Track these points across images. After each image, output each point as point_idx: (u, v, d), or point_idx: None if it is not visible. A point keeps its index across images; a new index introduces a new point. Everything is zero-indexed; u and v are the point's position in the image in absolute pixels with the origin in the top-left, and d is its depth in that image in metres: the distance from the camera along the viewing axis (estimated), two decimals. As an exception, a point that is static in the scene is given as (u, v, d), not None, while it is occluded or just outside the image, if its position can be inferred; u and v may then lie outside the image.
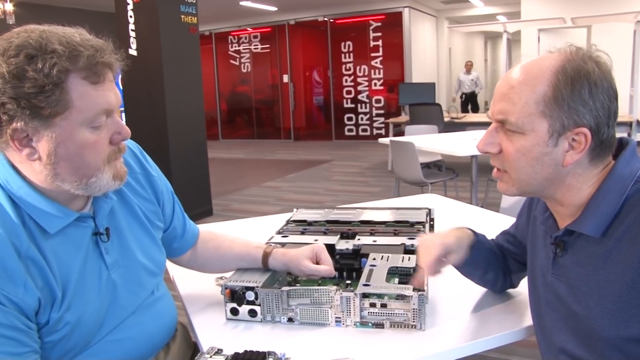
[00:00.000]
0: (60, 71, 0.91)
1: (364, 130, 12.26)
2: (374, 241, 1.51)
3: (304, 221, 1.75)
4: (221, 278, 1.49)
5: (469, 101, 13.01)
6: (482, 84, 13.11)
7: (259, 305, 1.23)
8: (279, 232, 1.64)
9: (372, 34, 11.98)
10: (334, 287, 1.20)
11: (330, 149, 10.94)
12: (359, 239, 1.52)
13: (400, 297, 1.16)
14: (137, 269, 1.17)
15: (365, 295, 1.17)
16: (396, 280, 1.28)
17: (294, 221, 1.76)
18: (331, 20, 12.38)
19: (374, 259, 1.36)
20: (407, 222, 1.70)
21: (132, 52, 5.28)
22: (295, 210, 1.89)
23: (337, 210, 1.85)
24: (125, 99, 5.54)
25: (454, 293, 1.34)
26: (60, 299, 0.99)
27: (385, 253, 1.39)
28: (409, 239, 1.52)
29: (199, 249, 1.44)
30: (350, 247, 1.46)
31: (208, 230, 1.49)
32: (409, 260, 1.34)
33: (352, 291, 1.17)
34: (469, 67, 12.94)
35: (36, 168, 0.98)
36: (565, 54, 0.94)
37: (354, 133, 12.35)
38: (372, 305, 1.17)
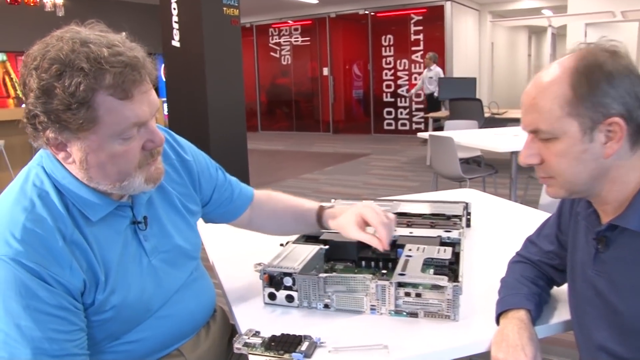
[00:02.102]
0: (86, 90, 0.93)
1: (403, 124, 12.19)
2: (411, 232, 1.53)
3: (342, 212, 1.77)
4: (260, 264, 1.53)
5: (431, 104, 10.44)
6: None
7: (296, 290, 1.26)
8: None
9: (413, 28, 11.88)
10: (370, 276, 1.22)
11: (368, 143, 10.92)
12: (395, 230, 1.53)
13: (435, 288, 1.18)
14: (176, 252, 1.22)
15: (400, 285, 1.19)
16: (431, 271, 1.29)
17: (332, 211, 1.79)
18: (372, 14, 12.32)
19: (410, 249, 1.37)
20: (443, 215, 1.71)
21: (175, 43, 5.38)
22: (332, 201, 1.91)
23: (376, 202, 1.87)
24: (167, 90, 5.65)
25: (488, 284, 1.34)
26: (104, 282, 1.05)
27: (421, 244, 1.41)
28: (445, 231, 1.53)
29: (256, 212, 1.47)
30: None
31: (265, 192, 1.51)
32: (444, 252, 1.36)
33: (388, 280, 1.19)
34: (426, 61, 10.60)
35: (74, 170, 1.04)
36: (577, 54, 0.97)
37: (393, 127, 12.30)
38: (407, 294, 1.19)
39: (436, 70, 10.35)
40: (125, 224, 1.13)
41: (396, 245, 1.43)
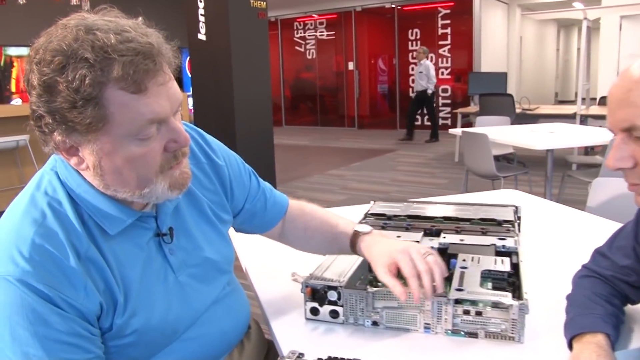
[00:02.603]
0: (92, 84, 0.80)
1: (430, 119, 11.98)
2: (461, 240, 1.40)
3: (383, 215, 1.66)
4: (297, 274, 1.42)
5: (420, 102, 10.26)
6: (432, 77, 9.99)
7: (342, 306, 1.15)
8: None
9: (440, 22, 11.68)
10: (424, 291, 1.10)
11: (394, 138, 10.76)
12: (444, 237, 1.42)
13: (498, 305, 1.06)
14: (207, 266, 1.10)
15: (458, 302, 1.08)
16: (489, 284, 1.18)
17: (373, 215, 1.67)
18: (398, 7, 12.14)
19: (464, 260, 1.26)
20: (494, 220, 1.58)
21: (201, 37, 5.30)
22: (372, 203, 1.80)
23: (416, 205, 1.75)
24: (192, 85, 5.58)
25: (551, 299, 1.22)
26: (123, 304, 0.93)
27: (475, 254, 1.29)
28: (499, 239, 1.41)
29: (287, 226, 1.33)
30: (436, 246, 1.36)
31: (298, 204, 1.37)
32: (502, 263, 1.24)
33: (445, 296, 1.08)
34: (418, 55, 10.15)
35: (89, 176, 0.92)
36: None
37: (419, 122, 12.10)
38: (466, 312, 1.07)
39: (426, 64, 9.93)
40: (147, 236, 1.01)
41: (448, 254, 1.32)
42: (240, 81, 5.28)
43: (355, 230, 1.24)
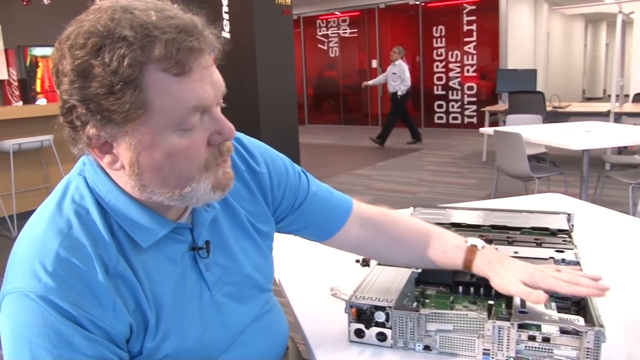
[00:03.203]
0: (132, 65, 0.72)
1: (455, 118, 11.81)
2: (515, 252, 1.28)
3: (426, 223, 1.55)
4: (337, 289, 1.32)
5: (394, 105, 9.76)
6: (407, 79, 9.48)
7: (390, 328, 1.04)
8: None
9: (465, 18, 11.47)
10: (484, 314, 0.99)
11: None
12: (496, 249, 1.30)
13: (569, 331, 0.94)
14: (245, 284, 1.00)
15: (522, 326, 0.96)
16: (553, 305, 1.06)
17: (414, 223, 1.56)
18: (423, 4, 11.96)
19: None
20: (546, 229, 1.46)
21: (225, 34, 5.23)
22: (412, 209, 1.69)
23: (459, 211, 1.63)
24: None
25: (622, 321, 1.10)
26: (155, 325, 0.84)
27: (533, 269, 1.17)
28: (557, 251, 1.29)
29: (371, 235, 1.16)
30: (487, 259, 1.25)
31: (382, 210, 1.19)
32: (565, 280, 1.12)
33: (508, 320, 0.96)
34: (392, 55, 9.64)
35: (122, 177, 0.82)
36: None
37: (444, 121, 11.94)
38: (532, 338, 0.95)
39: (401, 66, 9.44)
40: (182, 250, 0.91)
41: (502, 269, 1.20)
42: (264, 79, 5.20)
43: (472, 245, 1.10)
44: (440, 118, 12.00)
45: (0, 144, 5.10)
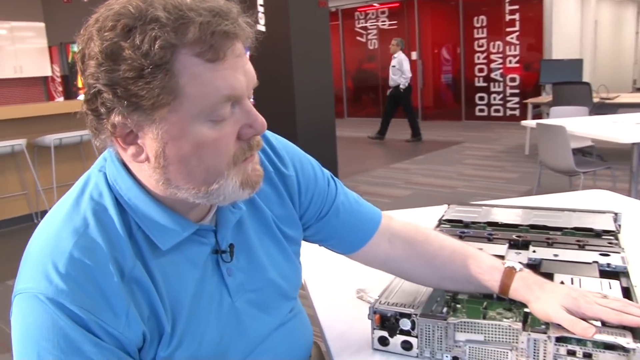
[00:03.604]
0: (164, 47, 0.68)
1: (497, 110, 11.53)
2: (556, 255, 1.19)
3: (460, 222, 1.46)
4: (364, 291, 1.25)
5: (394, 99, 9.60)
6: (406, 71, 9.19)
7: (416, 337, 0.97)
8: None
9: (508, 8, 11.16)
10: (518, 324, 0.91)
11: (460, 130, 10.40)
12: (534, 251, 1.22)
13: (613, 348, 0.85)
14: (269, 291, 0.95)
15: (561, 339, 0.88)
16: (596, 315, 0.97)
17: (448, 221, 1.48)
18: (464, -6, 11.71)
19: (562, 282, 1.05)
20: (591, 230, 1.36)
21: (260, 27, 5.19)
22: (447, 206, 1.60)
23: (495, 209, 1.54)
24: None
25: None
26: (170, 334, 0.79)
27: (574, 275, 1.08)
28: (602, 254, 1.19)
29: (402, 252, 1.07)
30: (525, 261, 1.17)
31: (414, 226, 1.10)
32: (609, 287, 1.03)
33: (545, 332, 0.88)
34: (392, 48, 9.44)
35: (146, 171, 0.77)
36: None
37: (485, 113, 11.67)
38: (571, 353, 0.87)
39: (399, 58, 9.15)
40: (205, 253, 0.86)
41: (540, 273, 1.11)
42: (300, 72, 5.14)
43: (510, 267, 1.00)
44: (481, 110, 11.74)
45: (42, 139, 5.19)
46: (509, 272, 0.98)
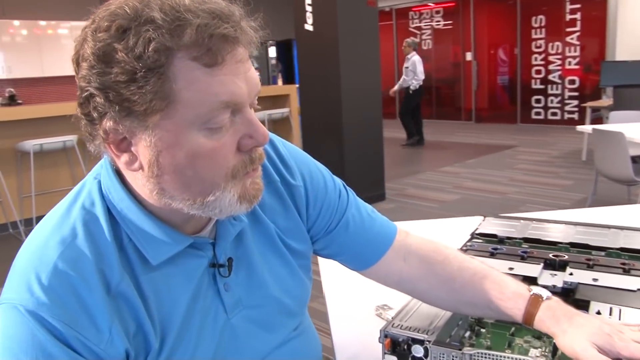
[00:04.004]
0: (158, 50, 0.64)
1: (554, 114, 11.13)
2: (595, 280, 1.08)
3: (494, 236, 1.36)
4: (383, 307, 1.17)
5: (406, 102, 9.30)
6: (420, 73, 8.92)
7: (430, 366, 0.89)
8: (461, 250, 1.28)
9: (568, 7, 10.75)
10: (537, 352, 0.82)
11: (514, 133, 10.09)
12: (571, 274, 1.11)
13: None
14: (270, 309, 0.89)
15: (591, 379, 0.78)
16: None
17: (481, 235, 1.38)
18: (522, -7, 11.36)
19: (599, 312, 0.94)
20: (639, 251, 1.23)
21: (308, 27, 5.15)
22: (482, 219, 1.50)
23: (536, 224, 1.43)
24: (300, 76, 5.45)
25: None
26: (158, 350, 0.74)
27: (615, 304, 0.97)
28: (650, 281, 1.07)
29: (418, 272, 0.98)
30: (560, 285, 1.07)
31: (432, 244, 1.01)
32: (657, 320, 0.91)
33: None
34: (405, 49, 9.12)
35: (140, 180, 0.73)
36: None
37: (542, 117, 11.29)
38: (603, 395, 0.77)
39: (413, 59, 8.83)
40: (201, 266, 0.81)
41: (575, 299, 1.01)
42: (347, 72, 5.06)
43: (536, 295, 0.88)
44: (537, 114, 11.37)
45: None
46: (535, 300, 0.87)
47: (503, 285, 0.91)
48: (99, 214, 0.75)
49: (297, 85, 6.68)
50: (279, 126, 7.22)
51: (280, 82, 12.50)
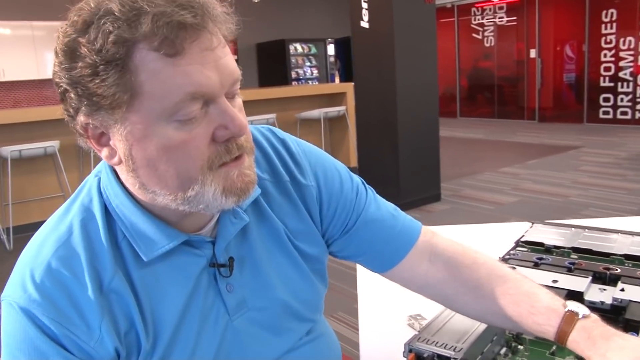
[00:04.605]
0: (117, 43, 0.63)
1: (624, 113, 10.63)
2: (649, 298, 0.99)
3: (541, 245, 1.28)
4: (416, 317, 1.12)
5: None
6: None
7: (456, 386, 0.82)
8: (503, 260, 1.21)
9: (643, 0, 10.26)
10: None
11: (580, 133, 9.70)
12: (623, 289, 1.02)
13: None
14: (277, 311, 0.85)
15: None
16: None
17: (526, 243, 1.30)
18: (593, -14, 10.90)
19: (649, 333, 0.86)
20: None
21: (364, 24, 5.08)
22: (530, 225, 1.42)
23: (588, 232, 1.34)
24: (355, 73, 5.39)
25: None
26: (149, 351, 0.73)
27: (670, 324, 0.88)
28: None
29: (442, 276, 0.91)
30: (608, 301, 0.98)
31: (461, 247, 0.93)
32: None
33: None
34: None
35: (123, 174, 0.73)
36: None
37: (610, 116, 10.80)
38: None
39: None
40: (199, 265, 0.79)
41: (625, 319, 0.92)
42: (403, 69, 4.97)
43: (572, 312, 0.80)
44: (606, 113, 10.88)
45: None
46: (570, 318, 0.79)
47: (535, 298, 0.84)
48: (96, 211, 0.75)
49: (352, 84, 6.63)
50: (335, 124, 7.18)
51: (337, 79, 12.46)
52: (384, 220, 0.93)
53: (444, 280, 0.91)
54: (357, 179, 0.96)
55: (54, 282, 0.70)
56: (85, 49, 0.64)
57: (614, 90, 10.77)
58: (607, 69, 10.81)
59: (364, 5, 5.03)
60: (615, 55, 10.68)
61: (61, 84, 0.68)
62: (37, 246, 0.74)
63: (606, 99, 10.85)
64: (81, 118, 0.69)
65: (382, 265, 0.93)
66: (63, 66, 0.67)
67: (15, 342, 0.70)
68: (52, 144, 4.86)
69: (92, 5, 0.65)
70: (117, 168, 0.75)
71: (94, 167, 0.83)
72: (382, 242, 0.92)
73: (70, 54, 0.66)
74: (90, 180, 0.80)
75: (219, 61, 0.68)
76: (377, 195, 0.97)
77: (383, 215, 0.94)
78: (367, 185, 0.97)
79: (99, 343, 0.70)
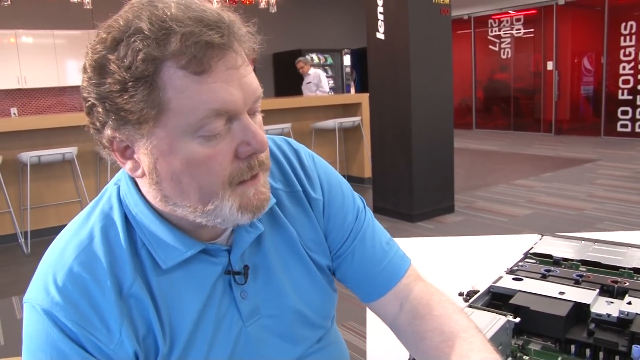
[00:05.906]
0: (146, 60, 0.65)
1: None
2: (653, 315, 0.99)
3: (549, 257, 1.28)
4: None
5: None
6: (324, 85, 8.52)
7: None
8: (510, 271, 1.21)
9: (663, 13, 10.18)
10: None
11: (597, 147, 9.62)
12: (629, 302, 1.02)
13: None
14: (289, 319, 0.87)
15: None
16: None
17: (535, 255, 1.30)
18: (611, -1, 10.84)
19: (656, 347, 0.86)
20: None
21: (380, 35, 5.11)
22: (540, 237, 1.42)
23: (598, 245, 1.34)
24: (370, 84, 5.41)
25: None
26: (166, 355, 0.75)
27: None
28: None
29: (403, 318, 0.90)
30: (615, 314, 0.98)
31: (439, 295, 0.91)
32: None
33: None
34: (303, 67, 8.64)
35: (145, 186, 0.75)
36: None
37: (629, 129, 10.70)
38: None
39: (315, 73, 8.52)
40: (215, 273, 0.81)
41: (631, 332, 0.93)
42: (418, 81, 4.98)
43: None
44: (624, 126, 10.79)
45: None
46: None
47: (465, 356, 0.78)
48: (116, 219, 0.78)
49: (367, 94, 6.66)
50: (350, 134, 7.20)
51: (352, 90, 12.50)
52: (375, 254, 0.94)
53: (403, 326, 0.90)
54: (359, 200, 0.98)
55: (75, 285, 0.72)
56: (115, 66, 0.66)
57: (632, 104, 10.68)
58: (626, 82, 10.73)
59: (380, 16, 5.06)
60: (634, 68, 10.60)
61: (89, 99, 0.70)
62: (59, 251, 0.76)
63: (624, 112, 10.76)
64: (108, 132, 0.71)
65: (364, 296, 0.95)
66: (92, 81, 0.69)
67: (37, 343, 0.72)
68: (70, 150, 4.94)
69: (122, 23, 0.68)
70: (138, 180, 0.77)
71: (111, 173, 0.85)
72: (366, 275, 0.93)
73: (99, 70, 0.68)
74: (110, 188, 0.83)
75: (242, 79, 0.70)
76: (375, 221, 0.98)
77: (375, 248, 0.94)
78: (367, 209, 0.99)
79: (118, 346, 0.72)
